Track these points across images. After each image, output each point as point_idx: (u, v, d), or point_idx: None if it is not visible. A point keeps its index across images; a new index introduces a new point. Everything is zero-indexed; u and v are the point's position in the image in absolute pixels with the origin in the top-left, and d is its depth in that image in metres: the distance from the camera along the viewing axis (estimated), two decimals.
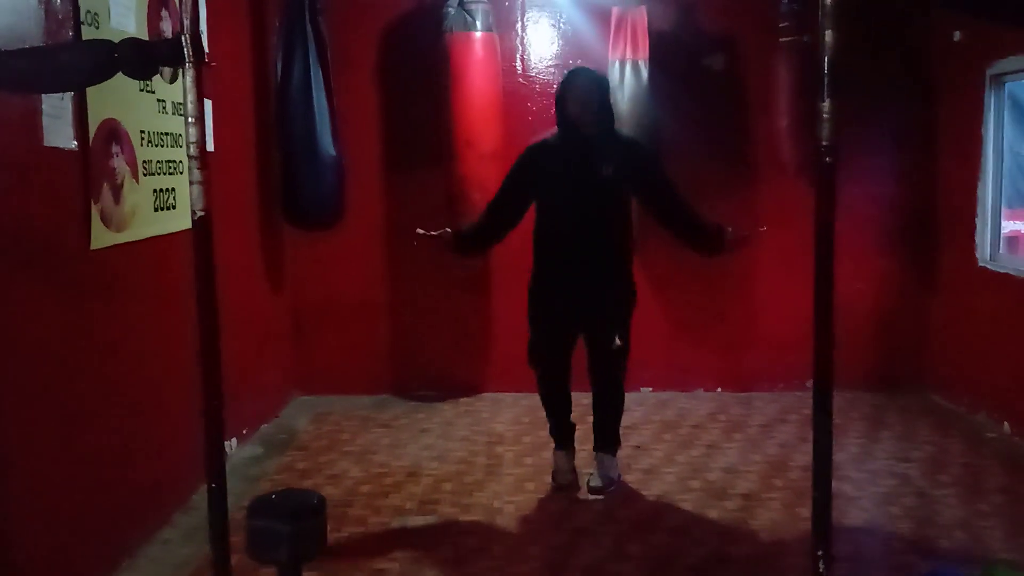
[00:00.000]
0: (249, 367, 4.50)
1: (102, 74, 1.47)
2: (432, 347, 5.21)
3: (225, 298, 4.67)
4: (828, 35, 1.45)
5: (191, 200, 1.41)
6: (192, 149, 1.39)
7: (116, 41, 1.47)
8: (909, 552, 3.06)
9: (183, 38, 1.37)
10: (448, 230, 3.53)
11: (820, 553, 1.55)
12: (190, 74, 1.38)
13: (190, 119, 1.41)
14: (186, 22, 1.38)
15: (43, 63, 1.49)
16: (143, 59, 1.44)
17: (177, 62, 1.37)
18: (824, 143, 1.50)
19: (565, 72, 3.70)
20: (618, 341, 3.53)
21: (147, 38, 3.33)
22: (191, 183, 1.40)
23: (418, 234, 3.50)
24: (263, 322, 4.76)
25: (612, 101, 3.67)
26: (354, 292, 5.18)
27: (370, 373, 5.21)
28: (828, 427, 1.56)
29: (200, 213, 1.40)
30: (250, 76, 4.53)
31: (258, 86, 4.59)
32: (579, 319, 3.56)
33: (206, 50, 1.35)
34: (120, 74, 1.62)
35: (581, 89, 3.44)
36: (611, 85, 4.53)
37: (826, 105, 1.47)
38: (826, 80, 1.45)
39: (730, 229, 3.47)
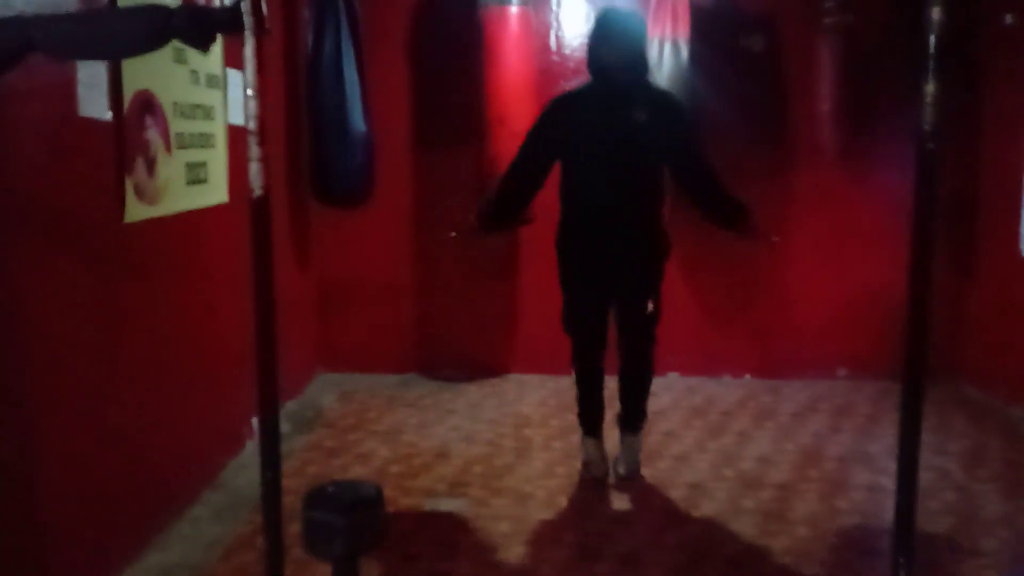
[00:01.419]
0: (276, 343, 4.46)
1: (157, 42, 1.40)
2: (458, 327, 5.15)
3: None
4: (936, 12, 1.35)
5: (251, 177, 1.34)
6: (252, 124, 1.32)
7: (171, 6, 1.40)
8: (952, 550, 2.99)
9: (242, 4, 1.30)
10: (472, 218, 3.39)
11: (902, 560, 1.48)
12: (250, 43, 1.31)
13: (249, 91, 1.34)
14: None
15: (98, 29, 1.43)
16: (200, 27, 1.37)
17: (236, 30, 1.30)
18: (927, 128, 1.41)
19: (598, 11, 3.47)
20: (651, 306, 3.41)
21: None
22: (251, 160, 1.34)
23: (453, 236, 3.43)
24: (289, 299, 4.71)
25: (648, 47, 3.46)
26: (381, 271, 5.13)
27: (395, 352, 5.17)
28: (917, 428, 1.48)
29: (259, 192, 1.33)
30: (281, 50, 4.45)
31: (288, 60, 4.52)
32: (610, 282, 3.42)
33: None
34: None
35: (619, 33, 3.23)
36: (650, 63, 4.46)
37: (930, 88, 1.38)
38: (932, 61, 1.36)
39: (755, 216, 3.33)
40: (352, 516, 1.41)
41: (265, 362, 1.33)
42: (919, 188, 1.40)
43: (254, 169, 1.32)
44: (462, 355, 5.15)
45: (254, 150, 1.31)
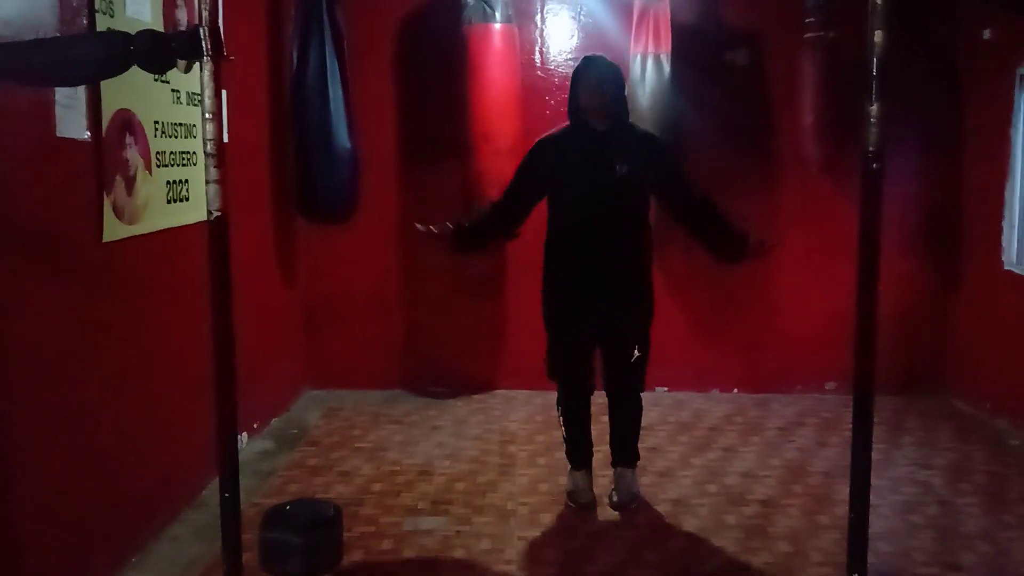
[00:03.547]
0: (260, 360, 4.46)
1: (117, 67, 1.41)
2: (445, 343, 5.15)
3: (236, 291, 4.62)
4: (878, 35, 1.37)
5: (207, 199, 1.35)
6: (209, 146, 1.33)
7: (132, 32, 1.40)
8: (932, 564, 2.99)
9: (201, 30, 1.31)
10: (448, 225, 3.36)
11: None
12: (208, 68, 1.32)
13: (207, 115, 1.35)
14: (204, 13, 1.32)
15: (57, 55, 1.43)
16: (159, 52, 1.38)
17: (195, 55, 1.31)
18: (871, 149, 1.42)
19: (578, 60, 3.52)
20: (637, 352, 3.38)
21: (162, 28, 3.28)
22: (207, 182, 1.34)
23: (417, 229, 3.40)
24: (275, 315, 4.71)
25: (627, 93, 3.51)
26: (367, 287, 5.13)
27: (382, 368, 5.16)
28: (867, 447, 1.49)
29: (216, 213, 1.33)
30: (265, 67, 4.47)
31: (273, 77, 4.53)
32: (595, 328, 3.38)
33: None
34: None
35: (595, 79, 3.26)
36: (632, 78, 4.48)
37: (874, 109, 1.39)
38: (875, 82, 1.37)
39: (753, 238, 3.27)
40: (309, 536, 1.40)
41: (223, 378, 1.33)
42: (864, 206, 1.41)
43: (211, 191, 1.33)
44: (449, 371, 5.14)
45: (211, 172, 1.32)
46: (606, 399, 3.50)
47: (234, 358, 1.42)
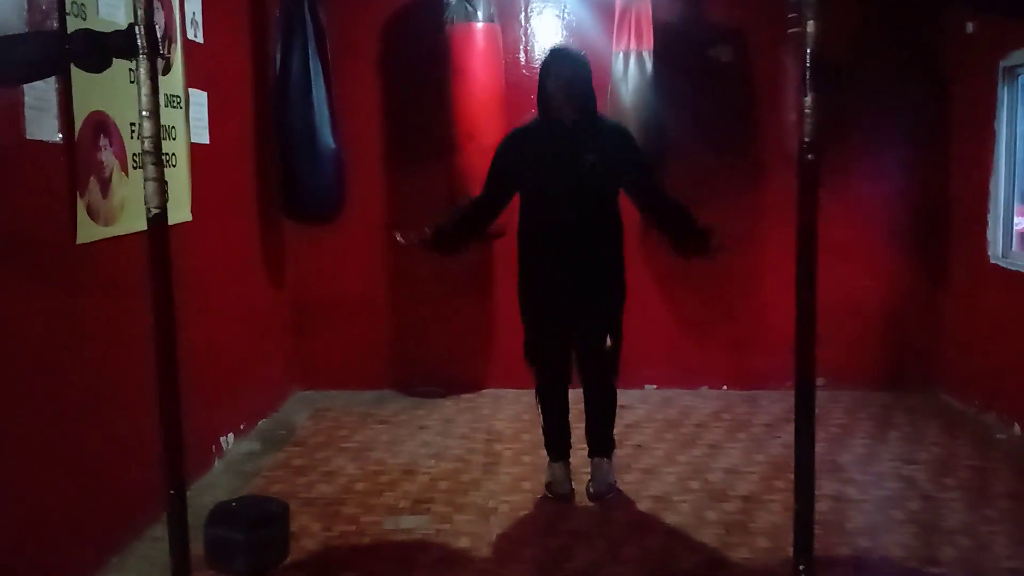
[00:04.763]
0: (247, 361, 4.47)
1: (53, 67, 1.42)
2: (433, 343, 5.15)
3: (224, 292, 4.63)
4: (811, 26, 1.36)
5: (145, 197, 1.35)
6: (147, 144, 1.33)
7: (67, 32, 1.41)
8: (910, 559, 2.98)
9: (136, 28, 1.31)
10: (427, 229, 3.39)
11: (802, 568, 1.48)
12: (144, 66, 1.32)
13: (144, 112, 1.35)
14: (140, 12, 1.32)
15: None
16: (96, 51, 1.38)
17: (131, 54, 1.31)
18: (806, 140, 1.41)
19: (546, 52, 3.53)
20: (609, 341, 3.41)
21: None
22: (145, 180, 1.34)
23: (398, 240, 3.43)
24: (263, 316, 4.72)
25: (609, 86, 3.51)
26: (356, 287, 5.14)
27: (371, 368, 5.16)
28: (811, 438, 1.48)
29: (155, 210, 1.34)
30: (248, 66, 4.48)
31: (256, 77, 4.54)
32: (567, 318, 3.43)
33: (160, 40, 1.28)
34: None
35: (562, 72, 3.29)
36: (614, 76, 4.48)
37: (808, 100, 1.39)
38: (808, 74, 1.37)
39: (716, 232, 3.30)
40: (254, 533, 1.40)
41: (166, 375, 1.33)
42: (801, 198, 1.40)
43: (149, 189, 1.33)
44: (438, 371, 5.15)
45: (149, 170, 1.32)
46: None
47: (176, 356, 1.42)
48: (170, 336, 1.37)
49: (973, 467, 3.81)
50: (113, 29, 1.62)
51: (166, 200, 1.37)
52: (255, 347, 4.56)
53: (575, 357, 3.49)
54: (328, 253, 5.08)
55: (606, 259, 3.42)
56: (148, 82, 1.32)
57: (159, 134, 1.35)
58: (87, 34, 1.41)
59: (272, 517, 1.48)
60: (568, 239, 3.34)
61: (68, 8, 2.73)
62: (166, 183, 1.41)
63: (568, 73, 3.28)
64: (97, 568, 2.91)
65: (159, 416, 1.41)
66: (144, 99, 1.33)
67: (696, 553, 3.05)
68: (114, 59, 1.38)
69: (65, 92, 2.76)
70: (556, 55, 3.38)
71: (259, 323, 4.64)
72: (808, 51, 1.33)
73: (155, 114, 1.32)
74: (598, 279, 3.40)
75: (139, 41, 1.30)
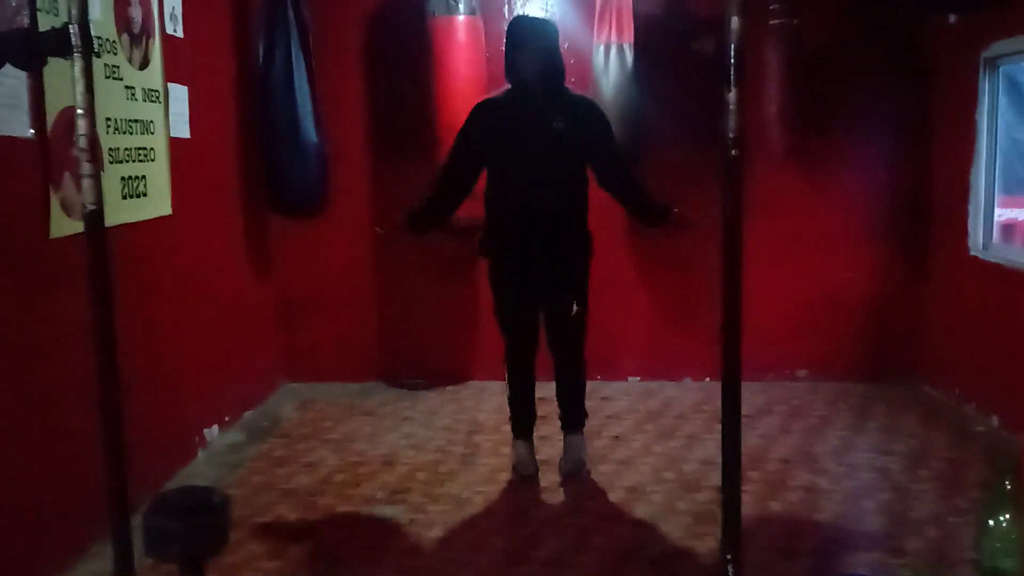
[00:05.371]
0: (233, 354, 4.51)
1: None
2: (419, 335, 5.19)
3: (207, 285, 4.65)
4: (735, 22, 1.38)
5: (83, 194, 1.38)
6: (82, 142, 1.36)
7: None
8: (875, 549, 3.01)
9: (71, 28, 1.34)
10: (400, 216, 3.44)
11: (729, 557, 1.50)
12: (78, 65, 1.35)
13: (79, 111, 1.38)
14: (74, 11, 1.35)
15: None
16: (30, 49, 1.42)
17: (65, 53, 1.34)
18: (731, 135, 1.44)
19: (511, 20, 3.54)
20: (576, 307, 3.47)
21: (114, 27, 3.33)
22: (82, 176, 1.38)
23: (377, 232, 3.48)
24: (248, 309, 4.76)
25: (561, 52, 3.44)
26: (341, 279, 5.17)
27: (357, 360, 5.20)
28: (737, 427, 1.51)
29: (91, 207, 1.37)
30: (231, 61, 4.50)
31: (239, 71, 4.57)
32: (534, 286, 3.48)
33: (95, 39, 1.31)
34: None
35: (526, 38, 3.30)
36: (595, 68, 4.49)
37: (732, 95, 1.41)
38: (732, 68, 1.39)
39: (676, 210, 3.38)
40: (189, 521, 1.44)
41: (106, 366, 1.37)
42: (725, 194, 1.42)
43: (86, 185, 1.36)
44: (424, 362, 5.18)
45: (85, 167, 1.35)
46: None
47: (115, 345, 1.47)
48: (110, 334, 1.40)
49: (948, 459, 3.83)
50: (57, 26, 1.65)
51: (102, 197, 1.40)
52: (240, 340, 4.60)
53: (543, 324, 3.55)
54: (314, 246, 5.11)
55: (572, 227, 3.46)
56: (83, 80, 1.35)
57: (95, 131, 1.38)
58: (21, 33, 1.45)
59: (210, 507, 1.52)
60: (536, 205, 3.37)
61: (40, 5, 2.77)
62: (101, 181, 1.44)
63: (532, 40, 3.29)
64: (79, 555, 2.94)
65: (100, 415, 1.44)
66: (79, 97, 1.36)
67: (663, 542, 3.08)
68: (49, 58, 1.42)
69: (37, 88, 2.79)
70: (520, 22, 3.41)
71: (244, 316, 4.68)
72: (732, 46, 1.34)
73: (90, 112, 1.35)
74: (565, 245, 3.45)
75: (73, 40, 1.33)
